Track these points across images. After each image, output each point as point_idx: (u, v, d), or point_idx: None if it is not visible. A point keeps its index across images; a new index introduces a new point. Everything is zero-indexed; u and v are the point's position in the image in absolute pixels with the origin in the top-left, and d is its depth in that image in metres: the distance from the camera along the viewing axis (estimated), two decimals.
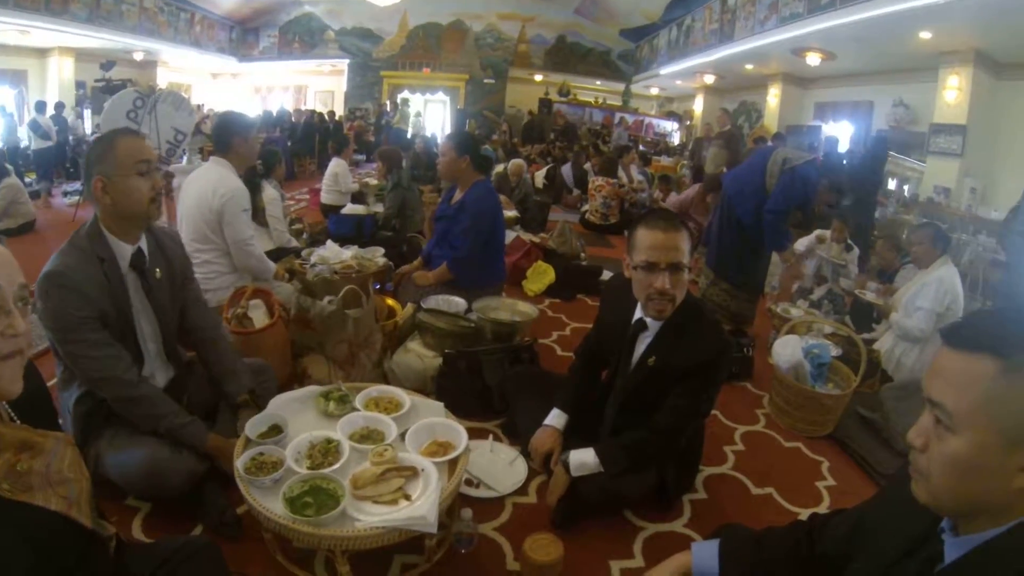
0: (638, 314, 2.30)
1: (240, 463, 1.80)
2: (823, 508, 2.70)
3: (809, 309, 4.78)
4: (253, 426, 1.98)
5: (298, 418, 2.12)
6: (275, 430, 2.00)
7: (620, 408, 2.39)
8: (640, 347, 2.31)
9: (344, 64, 20.54)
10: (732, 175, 4.59)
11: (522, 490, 2.45)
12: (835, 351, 3.72)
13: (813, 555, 1.44)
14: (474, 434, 2.62)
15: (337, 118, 16.47)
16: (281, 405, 2.15)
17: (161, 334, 2.19)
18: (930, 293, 3.83)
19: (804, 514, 2.52)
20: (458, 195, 3.88)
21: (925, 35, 8.38)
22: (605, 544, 2.24)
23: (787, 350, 3.43)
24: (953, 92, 8.84)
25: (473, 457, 2.42)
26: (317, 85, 21.34)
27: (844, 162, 9.57)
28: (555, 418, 2.48)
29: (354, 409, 2.16)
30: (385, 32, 20.34)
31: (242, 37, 19.95)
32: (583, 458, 2.23)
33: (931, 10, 7.33)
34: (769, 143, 8.00)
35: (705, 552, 1.54)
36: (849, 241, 5.58)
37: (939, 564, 1.04)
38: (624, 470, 2.24)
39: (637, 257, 2.15)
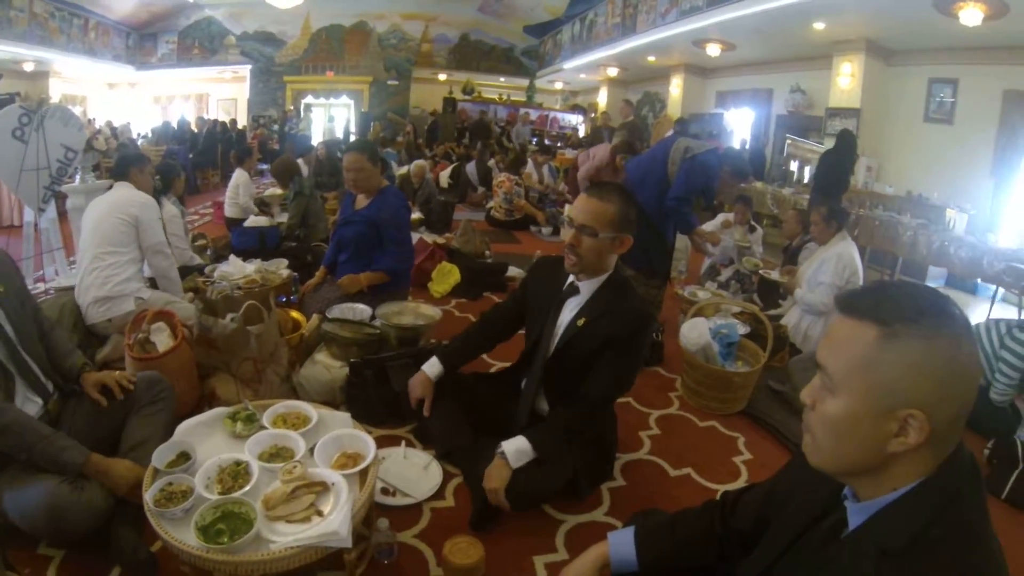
0: (571, 279, 2.46)
1: (149, 496, 1.73)
2: (742, 482, 2.80)
3: (717, 291, 4.92)
4: (160, 455, 1.90)
5: (206, 443, 2.05)
6: (183, 457, 1.93)
7: (542, 380, 2.49)
8: (568, 311, 2.45)
9: (246, 70, 19.85)
10: (635, 163, 4.69)
11: (439, 494, 2.44)
12: (743, 329, 3.85)
13: (728, 531, 1.48)
14: (386, 441, 2.62)
15: (241, 127, 15.99)
16: (188, 431, 2.08)
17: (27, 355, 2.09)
18: (830, 268, 4.02)
19: (724, 490, 2.59)
20: (363, 201, 3.82)
21: (819, 26, 8.80)
22: (526, 540, 2.25)
23: (694, 332, 3.54)
24: (847, 78, 9.36)
25: (387, 465, 2.41)
26: (219, 93, 20.54)
27: (745, 147, 10.11)
28: (430, 366, 2.61)
29: (262, 427, 2.11)
30: (287, 35, 19.81)
31: (139, 44, 18.81)
32: (518, 446, 2.26)
33: (825, 3, 7.74)
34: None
35: (621, 540, 1.57)
36: (752, 222, 5.76)
37: (844, 530, 1.08)
38: (559, 450, 2.31)
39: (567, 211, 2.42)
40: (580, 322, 2.39)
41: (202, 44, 19.31)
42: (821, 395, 1.04)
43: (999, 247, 6.47)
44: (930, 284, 7.71)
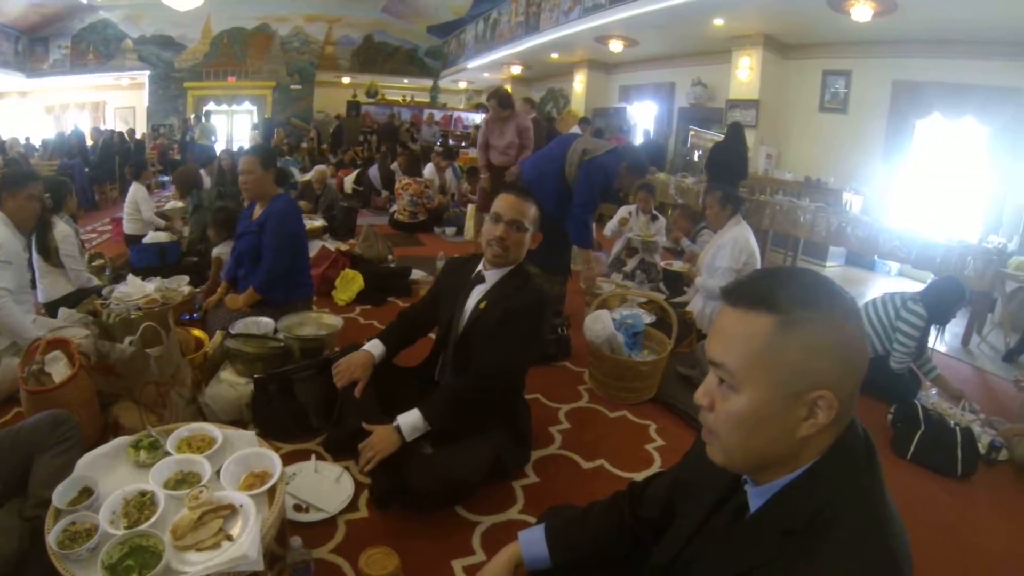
0: (479, 268, 2.68)
1: (51, 538, 1.63)
2: (655, 468, 2.87)
3: (623, 282, 5.01)
4: (61, 494, 1.80)
5: (110, 475, 1.95)
6: (85, 493, 1.82)
7: (455, 366, 2.63)
8: (473, 297, 2.65)
9: (145, 76, 18.90)
10: (532, 162, 4.73)
11: (352, 506, 2.42)
12: (648, 318, 3.95)
13: (638, 521, 1.50)
14: (296, 456, 2.58)
15: (139, 137, 15.24)
16: (89, 465, 1.96)
17: None
18: (727, 253, 4.17)
19: (638, 478, 2.66)
20: (258, 211, 3.76)
21: (719, 22, 9.14)
22: (442, 544, 2.26)
23: (598, 324, 3.59)
24: (745, 71, 9.74)
25: (298, 480, 2.37)
26: (116, 101, 19.37)
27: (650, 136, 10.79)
28: (373, 346, 2.72)
29: (166, 454, 2.03)
30: (187, 39, 19.01)
31: (30, 49, 17.51)
32: (411, 419, 2.34)
33: (723, 0, 8.06)
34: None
35: (533, 538, 1.58)
36: (654, 211, 5.89)
37: (747, 513, 1.10)
38: (449, 420, 2.39)
39: (492, 210, 2.63)
40: (482, 305, 2.59)
41: (97, 49, 18.22)
42: (722, 393, 1.03)
43: (892, 225, 6.84)
44: (831, 263, 8.26)
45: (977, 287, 5.67)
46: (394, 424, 2.34)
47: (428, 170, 9.51)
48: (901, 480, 3.11)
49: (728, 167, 7.75)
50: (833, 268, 8.59)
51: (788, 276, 1.02)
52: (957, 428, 3.25)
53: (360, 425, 2.44)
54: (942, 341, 5.25)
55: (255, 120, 19.68)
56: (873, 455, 1.02)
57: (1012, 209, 7.18)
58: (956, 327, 5.63)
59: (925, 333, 3.98)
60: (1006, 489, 3.18)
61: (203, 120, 16.44)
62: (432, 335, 2.90)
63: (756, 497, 1.08)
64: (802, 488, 1.00)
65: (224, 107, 20.01)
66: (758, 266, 4.24)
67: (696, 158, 10.67)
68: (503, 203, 2.62)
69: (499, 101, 6.31)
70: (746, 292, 1.02)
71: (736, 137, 7.98)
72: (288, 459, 2.54)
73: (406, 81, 21.10)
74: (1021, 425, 3.51)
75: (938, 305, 3.90)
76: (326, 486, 2.46)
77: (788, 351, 0.95)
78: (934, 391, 3.90)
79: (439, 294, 2.85)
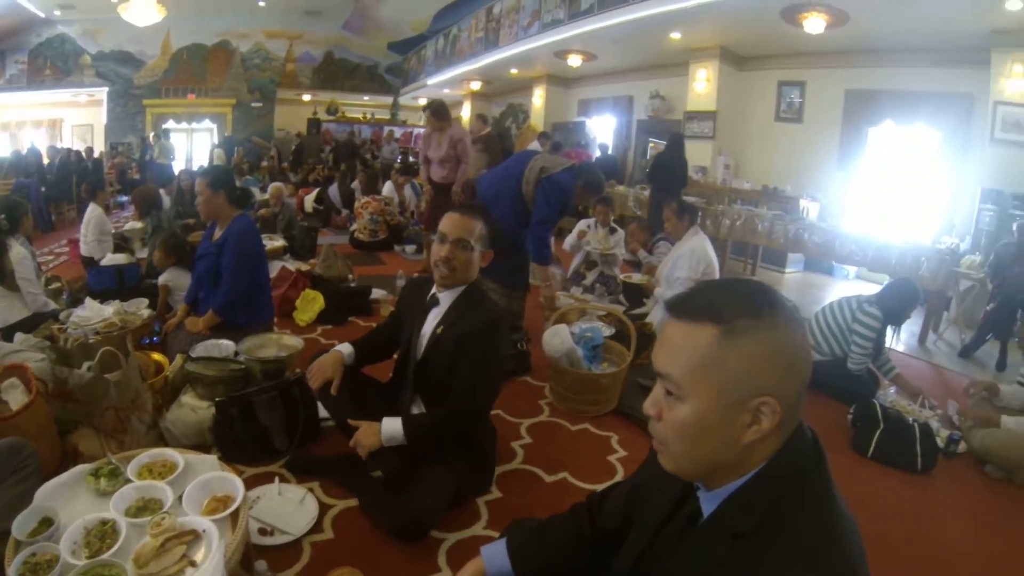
0: (433, 291, 2.66)
1: (12, 570, 1.60)
2: (618, 479, 2.89)
3: (582, 295, 5.04)
4: (21, 525, 1.77)
5: (70, 505, 1.92)
6: (45, 524, 1.79)
7: (415, 386, 2.63)
8: (430, 321, 2.63)
9: (103, 93, 18.50)
10: (488, 179, 4.72)
11: (317, 527, 2.39)
12: (608, 331, 3.98)
13: (598, 532, 1.51)
14: (260, 479, 2.56)
15: (97, 155, 14.79)
16: (49, 494, 1.92)
17: None
18: (685, 263, 4.24)
19: (601, 489, 2.68)
20: (218, 232, 3.73)
21: (676, 35, 9.34)
22: (410, 563, 2.25)
23: (556, 339, 3.60)
24: (703, 83, 9.95)
25: (263, 504, 2.35)
26: (74, 118, 18.85)
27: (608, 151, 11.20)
28: (343, 346, 2.73)
29: (127, 481, 2.00)
30: (146, 55, 18.75)
31: None
32: (393, 428, 2.39)
33: (679, 14, 8.15)
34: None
35: (495, 552, 1.58)
36: (613, 224, 5.94)
37: (700, 518, 1.12)
38: (427, 441, 2.44)
39: (438, 230, 2.58)
40: (439, 330, 2.57)
41: (55, 64, 17.79)
42: (668, 403, 1.05)
43: (848, 230, 7.00)
44: (790, 268, 8.42)
45: (931, 287, 5.85)
46: (378, 424, 2.41)
47: (387, 188, 9.44)
48: (864, 477, 3.19)
49: (670, 175, 8.08)
50: (792, 274, 8.76)
51: (730, 287, 1.06)
52: (915, 424, 3.35)
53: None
54: (898, 340, 5.38)
55: (215, 139, 19.44)
56: (821, 457, 1.05)
57: (964, 210, 7.39)
58: (913, 326, 5.78)
59: (881, 334, 4.10)
60: (965, 480, 3.28)
61: (161, 139, 16.21)
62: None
63: (707, 502, 1.10)
64: (751, 492, 1.02)
65: (184, 125, 19.76)
66: (716, 275, 4.32)
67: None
68: (448, 222, 2.59)
69: (433, 112, 6.25)
70: (689, 304, 1.04)
71: (677, 146, 8.25)
72: (252, 482, 2.51)
73: (367, 98, 21.11)
74: (980, 411, 3.61)
75: (893, 307, 4.02)
76: (290, 508, 2.44)
77: (730, 360, 0.97)
78: (892, 390, 4.00)
79: (400, 315, 2.84)
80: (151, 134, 17.79)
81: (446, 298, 2.62)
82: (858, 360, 4.01)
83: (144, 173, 14.33)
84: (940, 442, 3.41)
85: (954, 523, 2.87)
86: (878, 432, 3.36)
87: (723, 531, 1.03)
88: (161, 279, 4.38)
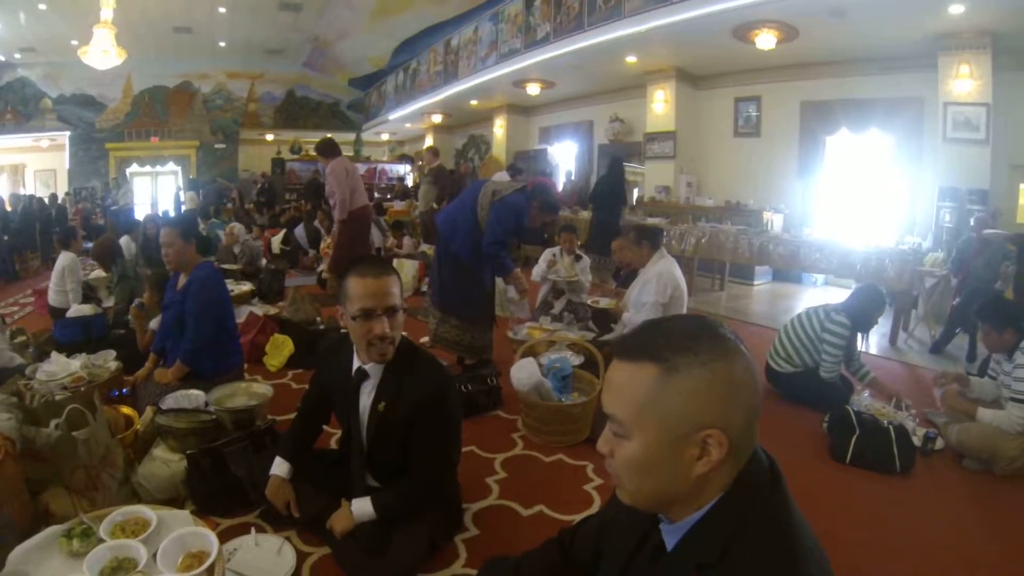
0: (356, 364, 2.39)
1: None
2: (595, 508, 2.82)
3: (551, 324, 5.03)
4: None
5: (43, 568, 1.87)
6: None
7: (369, 461, 2.45)
8: (364, 396, 2.40)
9: (65, 137, 18.36)
10: (444, 213, 4.71)
11: None
12: (577, 360, 3.95)
13: (571, 565, 1.52)
14: (236, 531, 2.50)
15: (60, 201, 14.49)
16: (21, 558, 1.88)
17: None
18: (652, 288, 4.26)
19: (578, 520, 2.66)
20: (182, 280, 3.68)
21: (631, 59, 9.55)
22: None
23: (523, 373, 3.56)
24: (661, 104, 10.15)
25: (240, 555, 2.30)
26: (36, 164, 18.60)
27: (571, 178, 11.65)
28: (278, 467, 2.55)
29: (100, 540, 1.95)
30: (108, 98, 18.75)
31: None
32: (364, 509, 2.29)
33: (633, 38, 8.36)
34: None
35: None
36: (578, 251, 5.96)
37: (665, 551, 1.13)
38: (398, 516, 2.31)
39: (353, 307, 2.24)
40: (380, 407, 2.35)
41: (16, 108, 17.68)
42: (617, 442, 1.07)
43: (812, 239, 7.10)
44: (759, 280, 8.56)
45: (897, 287, 5.99)
46: (348, 505, 2.32)
47: None
48: (844, 483, 3.20)
49: (611, 196, 8.71)
50: (762, 285, 8.89)
51: (670, 325, 1.09)
52: (890, 426, 3.37)
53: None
54: (865, 343, 5.45)
55: (179, 182, 19.32)
56: (779, 481, 1.07)
57: (924, 210, 7.61)
58: (883, 327, 5.85)
59: (851, 341, 4.16)
60: (945, 476, 3.33)
61: (119, 181, 16.01)
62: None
63: (670, 535, 1.12)
64: (711, 522, 1.04)
65: (148, 168, 19.64)
66: (685, 297, 4.34)
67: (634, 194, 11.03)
68: (369, 291, 2.23)
69: (316, 149, 6.33)
70: (630, 345, 1.07)
71: (619, 170, 8.89)
72: (228, 533, 2.45)
73: (329, 135, 21.03)
74: (957, 403, 3.66)
75: (860, 314, 4.09)
76: (268, 558, 2.39)
77: (672, 396, 1.00)
78: (867, 393, 4.03)
79: (323, 386, 2.64)
80: (113, 178, 17.78)
81: (374, 368, 2.36)
82: (830, 368, 4.06)
83: (107, 219, 14.13)
84: (917, 441, 3.45)
85: (936, 519, 2.90)
86: (854, 437, 3.38)
87: (687, 562, 1.05)
88: (152, 324, 4.30)
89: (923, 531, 2.79)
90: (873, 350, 5.75)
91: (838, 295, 4.40)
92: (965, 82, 6.92)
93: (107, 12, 11.50)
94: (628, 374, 1.04)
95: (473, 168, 15.03)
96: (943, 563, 2.57)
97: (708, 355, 1.00)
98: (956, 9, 6.23)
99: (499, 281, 4.66)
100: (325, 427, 2.83)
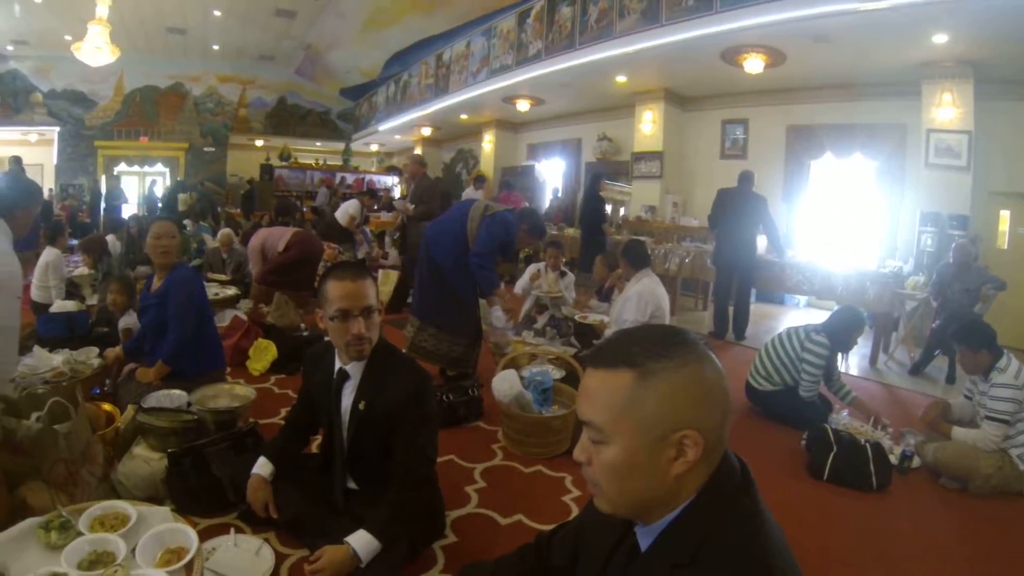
0: (338, 365, 2.45)
1: None
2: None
3: (534, 339, 5.06)
4: None
5: (20, 560, 1.86)
6: None
7: (351, 463, 2.49)
8: (346, 397, 2.44)
9: (54, 133, 18.11)
10: (434, 223, 4.75)
11: None
12: (558, 374, 4.01)
13: (548, 570, 1.54)
14: (215, 531, 2.49)
15: (47, 196, 14.32)
16: None
17: None
18: (632, 305, 4.32)
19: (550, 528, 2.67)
20: (157, 282, 3.67)
21: (621, 79, 9.62)
22: None
23: (505, 384, 3.60)
24: (649, 124, 10.24)
25: (218, 555, 2.29)
26: (24, 158, 17.17)
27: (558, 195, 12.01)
28: (260, 467, 2.56)
29: (79, 534, 1.94)
30: (99, 96, 18.58)
31: None
32: (364, 541, 2.16)
33: (623, 58, 8.45)
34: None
35: None
36: (563, 268, 5.99)
37: (639, 552, 1.16)
38: (399, 529, 2.27)
39: (331, 308, 2.30)
40: (361, 405, 2.40)
41: (5, 100, 17.47)
42: (596, 449, 1.09)
43: (795, 261, 7.22)
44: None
45: (877, 309, 6.09)
46: (347, 547, 2.15)
47: None
48: (821, 500, 3.24)
49: (595, 213, 9.09)
50: None
51: (641, 334, 1.12)
52: (868, 445, 3.42)
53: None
54: (845, 363, 5.51)
55: (167, 183, 19.09)
56: (749, 483, 1.10)
57: (905, 234, 7.74)
58: (863, 348, 5.96)
59: (831, 361, 4.23)
60: (921, 494, 3.38)
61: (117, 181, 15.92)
62: None
63: (644, 537, 1.14)
64: (684, 523, 1.07)
65: (136, 168, 19.47)
66: (667, 316, 4.41)
67: (607, 210, 11.03)
68: (346, 293, 2.29)
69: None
70: (605, 353, 1.10)
71: (594, 187, 9.34)
72: (207, 533, 2.45)
73: (319, 144, 21.13)
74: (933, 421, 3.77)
75: (839, 334, 4.15)
76: (246, 559, 2.38)
77: (648, 400, 1.03)
78: (845, 412, 4.08)
79: (309, 392, 2.67)
80: (102, 176, 17.56)
81: (355, 369, 2.43)
82: (809, 387, 4.12)
83: (94, 217, 14.05)
84: (894, 459, 3.51)
85: (912, 537, 2.94)
86: (832, 455, 3.42)
87: (661, 563, 1.07)
88: (122, 323, 4.29)
89: (899, 548, 2.83)
90: (853, 371, 5.83)
91: (820, 316, 4.44)
92: (947, 110, 7.04)
93: (103, 9, 11.48)
94: (603, 381, 1.08)
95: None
96: None
97: (681, 359, 1.04)
98: (939, 39, 6.35)
99: (482, 303, 4.66)
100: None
